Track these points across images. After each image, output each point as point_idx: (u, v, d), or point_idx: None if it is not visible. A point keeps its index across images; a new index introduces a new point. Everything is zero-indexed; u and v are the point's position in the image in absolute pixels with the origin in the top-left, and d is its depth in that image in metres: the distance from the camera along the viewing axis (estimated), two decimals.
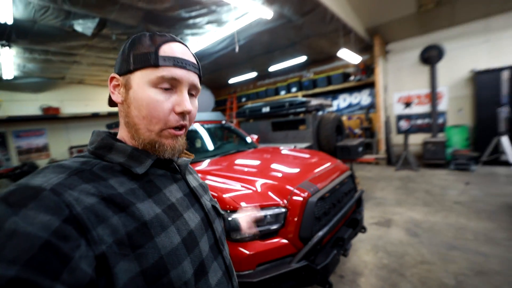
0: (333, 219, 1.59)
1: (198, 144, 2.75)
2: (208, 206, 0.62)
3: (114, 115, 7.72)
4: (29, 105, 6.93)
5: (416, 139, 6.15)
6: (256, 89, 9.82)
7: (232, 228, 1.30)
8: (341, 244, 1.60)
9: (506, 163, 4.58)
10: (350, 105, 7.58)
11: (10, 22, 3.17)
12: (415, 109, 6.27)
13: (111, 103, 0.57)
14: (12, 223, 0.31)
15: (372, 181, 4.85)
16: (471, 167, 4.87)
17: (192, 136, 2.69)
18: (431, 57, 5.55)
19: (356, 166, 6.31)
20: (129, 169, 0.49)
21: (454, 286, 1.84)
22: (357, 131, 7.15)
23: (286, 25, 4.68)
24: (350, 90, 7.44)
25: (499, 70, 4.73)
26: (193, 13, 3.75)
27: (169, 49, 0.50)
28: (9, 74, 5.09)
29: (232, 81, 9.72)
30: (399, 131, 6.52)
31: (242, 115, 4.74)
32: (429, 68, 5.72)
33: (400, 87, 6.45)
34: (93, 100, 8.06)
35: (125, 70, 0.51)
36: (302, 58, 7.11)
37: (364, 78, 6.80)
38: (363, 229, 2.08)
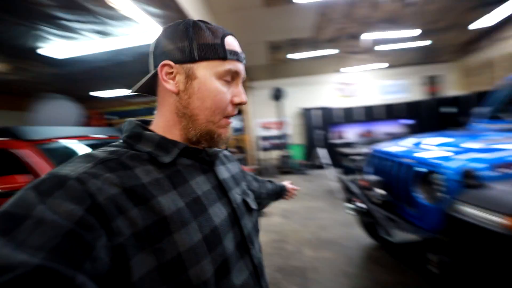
0: None
1: None
2: (238, 200, 0.59)
3: None
4: None
5: (274, 154, 8.18)
6: (128, 107, 8.99)
7: None
8: None
9: (320, 167, 7.17)
10: None
11: None
12: (271, 132, 8.37)
13: (151, 91, 0.56)
14: (39, 211, 0.31)
15: None
16: (307, 171, 7.26)
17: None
18: (278, 95, 7.77)
19: None
20: (156, 158, 0.48)
21: (311, 238, 3.01)
22: (234, 149, 8.43)
23: None
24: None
25: (315, 109, 7.52)
26: (72, 16, 3.33)
27: (231, 42, 0.52)
28: None
29: (95, 94, 8.31)
30: (261, 148, 8.37)
31: None
32: (277, 103, 7.98)
33: (259, 115, 8.40)
34: None
35: (186, 59, 0.49)
36: None
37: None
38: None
